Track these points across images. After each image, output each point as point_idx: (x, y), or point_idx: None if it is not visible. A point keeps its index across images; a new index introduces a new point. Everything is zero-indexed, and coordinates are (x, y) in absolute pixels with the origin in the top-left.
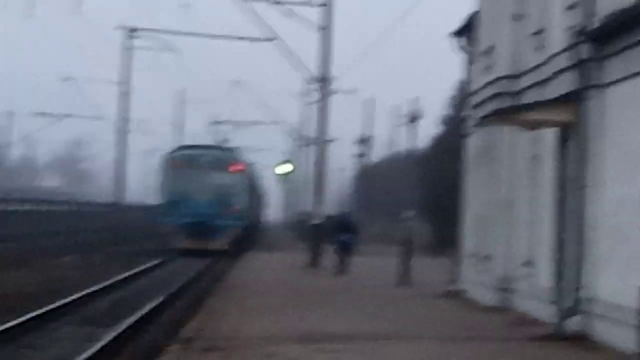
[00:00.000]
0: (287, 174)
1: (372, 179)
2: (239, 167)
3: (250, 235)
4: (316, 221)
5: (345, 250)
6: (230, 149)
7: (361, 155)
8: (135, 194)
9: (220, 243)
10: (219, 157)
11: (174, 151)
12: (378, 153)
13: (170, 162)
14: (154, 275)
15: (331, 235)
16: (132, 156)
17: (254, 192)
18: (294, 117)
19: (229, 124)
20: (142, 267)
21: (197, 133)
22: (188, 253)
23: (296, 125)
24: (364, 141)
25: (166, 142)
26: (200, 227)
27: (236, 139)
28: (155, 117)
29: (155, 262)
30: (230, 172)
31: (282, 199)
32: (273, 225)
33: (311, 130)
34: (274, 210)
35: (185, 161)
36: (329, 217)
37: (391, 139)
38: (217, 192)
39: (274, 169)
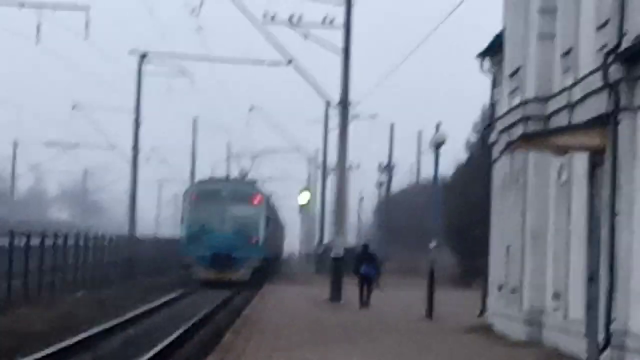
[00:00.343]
0: (306, 204)
1: (394, 207)
2: (258, 200)
3: (269, 266)
4: (337, 253)
5: (367, 283)
6: (249, 182)
7: (383, 184)
8: (150, 224)
9: (240, 274)
10: (238, 190)
11: (195, 185)
12: (401, 180)
13: (191, 195)
14: (171, 309)
15: (353, 267)
16: (145, 186)
17: (273, 224)
18: (314, 144)
19: (247, 154)
20: (158, 302)
21: (214, 161)
22: (209, 284)
23: (315, 153)
24: (386, 168)
25: (181, 171)
26: (221, 259)
27: (254, 169)
28: (168, 144)
29: (173, 295)
30: (250, 205)
31: (301, 230)
32: (293, 257)
33: (331, 158)
34: (293, 242)
35: (206, 195)
36: (350, 249)
37: (414, 166)
38: (237, 225)
39: (296, 198)
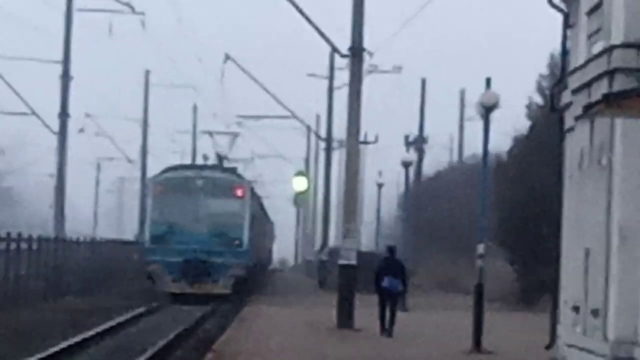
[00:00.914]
0: (303, 192)
1: (427, 197)
2: (242, 192)
3: (255, 278)
4: (347, 260)
5: (391, 301)
6: (229, 170)
7: (411, 164)
8: (84, 222)
9: (220, 287)
10: (217, 179)
11: (161, 173)
12: (436, 159)
13: (156, 186)
14: (108, 341)
15: (373, 280)
16: (78, 168)
17: (259, 222)
18: (314, 110)
19: (221, 123)
20: (88, 332)
21: (175, 133)
22: (177, 300)
23: (316, 122)
24: (416, 143)
25: (128, 147)
26: (195, 267)
27: (232, 145)
28: (110, 110)
29: (116, 320)
30: (231, 198)
31: (298, 229)
32: (285, 265)
33: (339, 129)
34: (286, 245)
35: (175, 185)
36: (366, 254)
37: (454, 140)
38: (215, 223)
39: (289, 184)
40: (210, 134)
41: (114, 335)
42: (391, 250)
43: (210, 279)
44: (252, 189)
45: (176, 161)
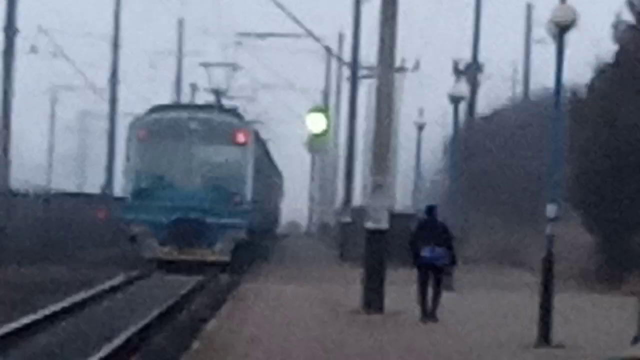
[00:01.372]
0: (321, 135)
1: (482, 142)
2: (243, 137)
3: (258, 244)
4: (376, 223)
5: (435, 276)
6: (229, 110)
7: (462, 98)
8: (36, 169)
9: (216, 253)
10: (214, 122)
11: (145, 114)
12: (493, 94)
13: (139, 131)
14: (62, 327)
15: (408, 249)
16: (28, 98)
17: (265, 175)
18: (334, 27)
19: (213, 41)
20: (37, 314)
21: (153, 53)
22: (164, 268)
23: (337, 42)
24: (468, 70)
25: (92, 72)
26: (186, 228)
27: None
28: (69, 23)
29: (78, 297)
30: (231, 145)
31: (313, 183)
32: (297, 229)
33: (367, 52)
34: (299, 203)
35: (164, 129)
36: (401, 217)
37: (518, 68)
38: (210, 176)
39: (302, 124)
40: (205, 66)
41: (69, 317)
42: (431, 210)
43: (205, 243)
44: (256, 134)
45: (155, 90)
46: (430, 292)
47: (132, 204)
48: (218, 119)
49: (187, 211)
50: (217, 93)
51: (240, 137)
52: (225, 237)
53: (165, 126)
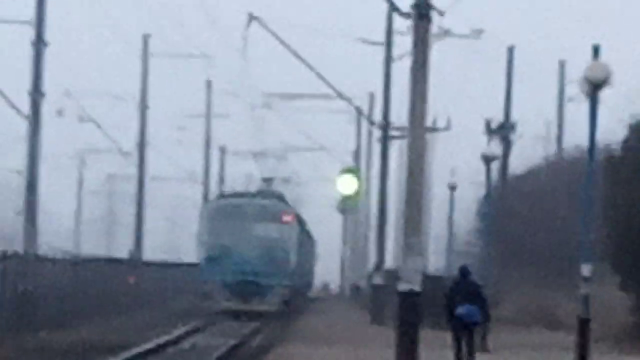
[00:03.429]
0: (352, 196)
1: (515, 203)
2: (289, 218)
3: (299, 298)
4: (408, 285)
5: (467, 335)
6: (278, 196)
7: (495, 157)
8: (64, 234)
9: (268, 304)
10: (267, 206)
11: (216, 199)
12: (526, 152)
13: (212, 211)
14: None
15: (441, 311)
16: (54, 161)
17: (303, 245)
18: (363, 88)
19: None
20: None
21: (183, 116)
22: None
23: (369, 102)
24: (501, 132)
25: (121, 134)
26: (246, 286)
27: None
28: (96, 86)
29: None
30: (279, 223)
31: (344, 245)
32: (328, 291)
33: (397, 112)
34: (328, 265)
35: (229, 211)
36: (434, 279)
37: (551, 126)
38: (265, 246)
39: (331, 185)
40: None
41: None
42: (465, 270)
43: (259, 298)
44: (297, 215)
45: (183, 153)
46: (464, 348)
47: (205, 267)
48: (270, 204)
49: (246, 274)
50: (267, 181)
51: (286, 218)
52: (274, 293)
53: (230, 209)
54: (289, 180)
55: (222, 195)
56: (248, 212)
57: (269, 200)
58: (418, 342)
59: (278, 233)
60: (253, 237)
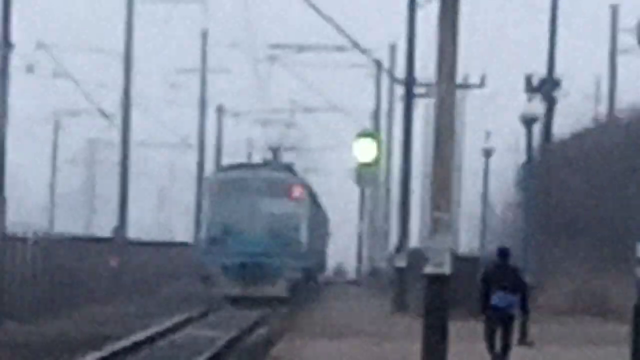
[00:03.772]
0: (368, 166)
1: (560, 171)
2: (299, 192)
3: (311, 283)
4: (436, 268)
5: (504, 326)
6: (286, 167)
7: (536, 119)
8: (37, 209)
9: (277, 289)
10: (274, 179)
11: (217, 172)
12: (574, 114)
13: (213, 186)
14: None
15: (475, 296)
16: (25, 125)
17: (315, 223)
18: (384, 40)
19: (244, 57)
20: None
21: (173, 71)
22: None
23: (390, 55)
24: (544, 89)
25: (102, 92)
26: (252, 269)
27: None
28: (73, 39)
29: None
30: (289, 199)
31: (361, 221)
32: (342, 273)
33: (425, 69)
34: (342, 244)
35: (232, 185)
36: (466, 260)
37: (603, 83)
38: (273, 225)
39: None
40: (276, 154)
41: None
42: (503, 253)
43: (267, 282)
44: (308, 187)
45: (175, 115)
46: (498, 343)
47: (206, 249)
48: (278, 177)
49: (251, 256)
50: (274, 150)
51: (296, 193)
52: (283, 277)
53: (235, 182)
54: (298, 147)
55: (224, 168)
56: (253, 186)
57: (277, 173)
58: (448, 333)
59: (287, 209)
60: (259, 215)
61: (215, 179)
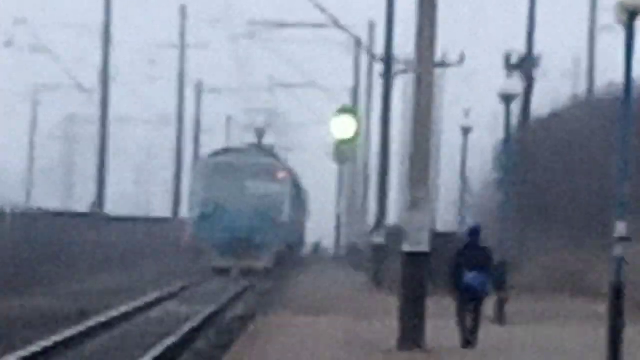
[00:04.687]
0: (346, 143)
1: (538, 149)
2: (283, 174)
3: (293, 255)
4: (414, 245)
5: (475, 304)
6: (272, 153)
7: (514, 96)
8: (14, 184)
9: (262, 262)
10: (260, 163)
11: (209, 156)
12: (552, 92)
13: (205, 169)
14: None
15: (449, 275)
16: (4, 98)
17: (296, 201)
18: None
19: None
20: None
21: (150, 47)
22: (211, 274)
23: (368, 32)
24: (522, 67)
25: (80, 68)
26: (240, 244)
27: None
28: (53, 14)
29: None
30: (273, 180)
31: (339, 197)
32: (323, 250)
33: (404, 45)
34: (321, 221)
35: (222, 168)
36: (444, 237)
37: (580, 60)
38: (259, 204)
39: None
40: (261, 137)
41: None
42: (474, 232)
43: (254, 255)
44: (290, 170)
45: (153, 91)
46: (469, 321)
47: (198, 225)
48: (265, 160)
49: (240, 231)
50: (259, 134)
51: (279, 175)
52: (267, 250)
53: (224, 165)
54: (278, 127)
55: (215, 152)
56: (241, 169)
57: (263, 157)
58: (425, 310)
59: (271, 190)
60: (246, 195)
61: (207, 163)
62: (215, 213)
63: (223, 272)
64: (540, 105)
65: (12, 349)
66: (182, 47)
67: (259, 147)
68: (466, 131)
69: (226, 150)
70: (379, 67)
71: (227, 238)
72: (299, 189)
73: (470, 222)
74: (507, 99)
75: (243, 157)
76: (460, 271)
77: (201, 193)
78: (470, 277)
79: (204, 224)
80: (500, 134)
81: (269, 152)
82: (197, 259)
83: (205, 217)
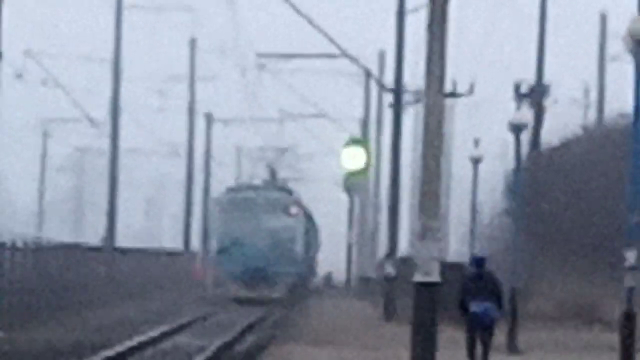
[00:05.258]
0: (357, 174)
1: (549, 178)
2: (296, 210)
3: (304, 286)
4: (425, 275)
5: (483, 334)
6: (285, 189)
7: (524, 127)
8: (25, 216)
9: (276, 292)
10: (275, 199)
11: (226, 192)
12: (562, 122)
13: (222, 204)
14: None
15: (457, 305)
16: (13, 132)
17: (308, 235)
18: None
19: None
20: None
21: (161, 78)
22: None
23: (378, 63)
24: (532, 97)
25: (90, 99)
26: (256, 274)
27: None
28: (61, 47)
29: None
30: (287, 216)
31: (350, 229)
32: (332, 282)
33: (414, 77)
34: (332, 252)
35: (239, 204)
36: (455, 267)
37: (591, 90)
38: (274, 237)
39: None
40: (274, 175)
41: None
42: (479, 262)
43: (268, 285)
44: (303, 205)
45: (163, 122)
46: (478, 347)
47: (218, 258)
48: (280, 196)
49: (256, 263)
50: (272, 171)
51: (293, 210)
52: (282, 281)
53: (241, 201)
54: (286, 153)
55: (231, 189)
56: (257, 205)
57: (277, 193)
58: (437, 340)
59: (285, 225)
60: (262, 229)
61: (224, 199)
62: (233, 247)
63: (242, 302)
64: (550, 134)
65: None
66: (192, 79)
67: (273, 184)
68: (476, 161)
69: (242, 186)
70: (389, 98)
71: (243, 270)
72: (311, 223)
73: (477, 252)
74: (517, 129)
75: (259, 193)
76: (467, 300)
77: (219, 228)
78: (476, 305)
79: (222, 257)
80: (510, 163)
81: (283, 187)
82: (215, 289)
83: (223, 250)
